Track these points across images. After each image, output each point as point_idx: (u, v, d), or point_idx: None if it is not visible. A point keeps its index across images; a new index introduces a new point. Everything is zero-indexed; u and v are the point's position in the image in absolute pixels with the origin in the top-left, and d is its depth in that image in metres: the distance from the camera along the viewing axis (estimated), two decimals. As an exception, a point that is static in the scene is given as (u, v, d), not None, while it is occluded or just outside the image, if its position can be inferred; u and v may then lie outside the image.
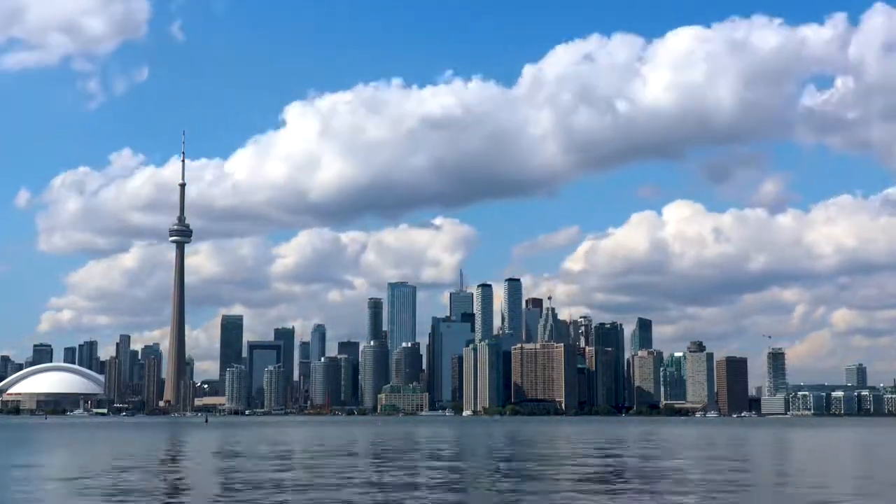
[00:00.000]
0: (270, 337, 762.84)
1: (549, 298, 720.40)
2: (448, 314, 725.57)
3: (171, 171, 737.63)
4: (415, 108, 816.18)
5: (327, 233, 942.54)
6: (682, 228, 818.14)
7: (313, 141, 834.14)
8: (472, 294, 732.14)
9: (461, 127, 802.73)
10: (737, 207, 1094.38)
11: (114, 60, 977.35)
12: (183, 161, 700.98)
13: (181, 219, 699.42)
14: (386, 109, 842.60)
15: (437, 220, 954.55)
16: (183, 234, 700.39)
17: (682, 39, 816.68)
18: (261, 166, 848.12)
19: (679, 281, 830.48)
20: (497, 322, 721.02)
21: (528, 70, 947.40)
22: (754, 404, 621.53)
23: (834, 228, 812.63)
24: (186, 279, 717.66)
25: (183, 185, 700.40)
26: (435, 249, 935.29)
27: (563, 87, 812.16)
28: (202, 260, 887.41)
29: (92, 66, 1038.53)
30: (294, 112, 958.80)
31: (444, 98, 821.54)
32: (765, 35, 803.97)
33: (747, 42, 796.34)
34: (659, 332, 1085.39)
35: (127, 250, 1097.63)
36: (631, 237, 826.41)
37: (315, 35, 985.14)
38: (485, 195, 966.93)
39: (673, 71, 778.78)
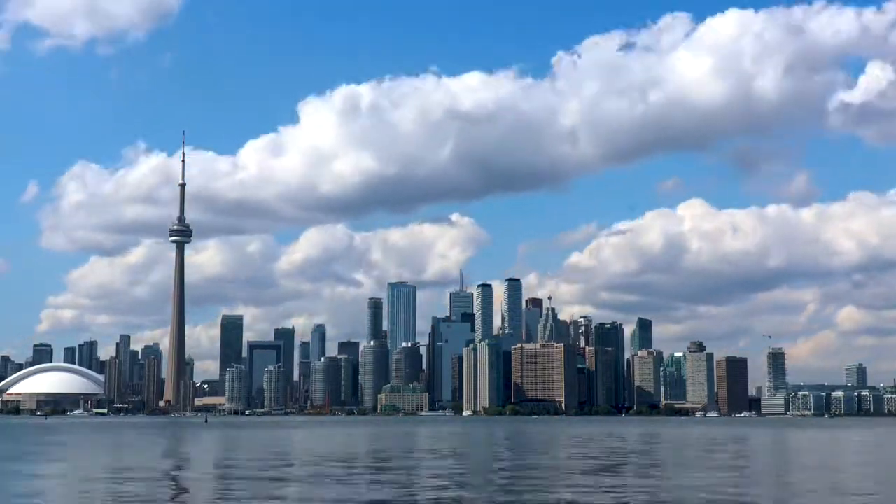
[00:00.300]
0: (272, 336, 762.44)
1: (550, 298, 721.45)
2: (448, 314, 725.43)
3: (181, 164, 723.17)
4: (440, 100, 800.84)
5: (339, 229, 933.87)
6: (698, 225, 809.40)
7: (329, 134, 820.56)
8: (472, 294, 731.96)
9: (486, 118, 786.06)
10: (760, 203, 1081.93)
11: (136, 49, 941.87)
12: (183, 161, 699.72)
13: (181, 219, 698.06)
14: (406, 101, 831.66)
15: (454, 217, 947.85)
16: (183, 234, 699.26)
17: (727, 23, 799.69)
18: (273, 161, 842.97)
19: (690, 279, 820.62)
20: (497, 322, 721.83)
21: (559, 59, 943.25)
22: (754, 404, 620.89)
23: (853, 224, 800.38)
24: (193, 277, 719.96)
25: (183, 185, 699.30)
26: (447, 247, 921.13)
27: (594, 76, 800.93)
28: (209, 256, 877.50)
29: (114, 50, 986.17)
30: (309, 106, 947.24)
31: (469, 88, 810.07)
32: (817, 20, 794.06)
33: (792, 27, 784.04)
34: (666, 331, 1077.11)
35: (132, 247, 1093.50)
36: (644, 234, 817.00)
37: (331, 27, 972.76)
38: (505, 188, 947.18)
39: (711, 57, 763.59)
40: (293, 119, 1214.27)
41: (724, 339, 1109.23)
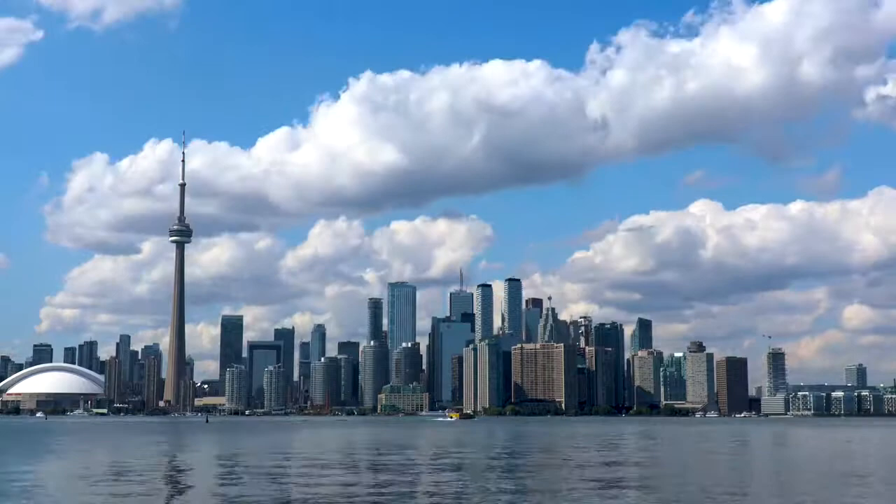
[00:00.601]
0: (272, 336, 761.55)
1: (550, 298, 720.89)
2: (448, 314, 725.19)
3: (192, 161, 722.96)
4: (467, 91, 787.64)
5: (350, 225, 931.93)
6: (713, 222, 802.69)
7: (343, 129, 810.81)
8: (472, 294, 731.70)
9: (515, 110, 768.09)
10: (782, 199, 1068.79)
11: (157, 39, 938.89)
12: (183, 161, 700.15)
13: (181, 218, 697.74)
14: (429, 94, 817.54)
15: (472, 216, 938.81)
16: (183, 234, 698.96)
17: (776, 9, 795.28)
18: (287, 155, 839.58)
19: (699, 278, 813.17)
20: (497, 322, 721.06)
21: (591, 50, 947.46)
22: (754, 404, 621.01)
23: (873, 220, 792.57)
24: (198, 274, 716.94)
25: (183, 185, 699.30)
26: (457, 244, 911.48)
27: (628, 66, 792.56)
28: (214, 255, 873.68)
29: (135, 38, 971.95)
30: (325, 101, 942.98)
31: (499, 79, 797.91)
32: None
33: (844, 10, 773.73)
34: (671, 331, 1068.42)
35: (137, 244, 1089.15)
36: (654, 231, 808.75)
37: (352, 21, 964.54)
38: (529, 181, 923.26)
39: (755, 44, 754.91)
40: (306, 116, 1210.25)
41: (728, 339, 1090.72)
